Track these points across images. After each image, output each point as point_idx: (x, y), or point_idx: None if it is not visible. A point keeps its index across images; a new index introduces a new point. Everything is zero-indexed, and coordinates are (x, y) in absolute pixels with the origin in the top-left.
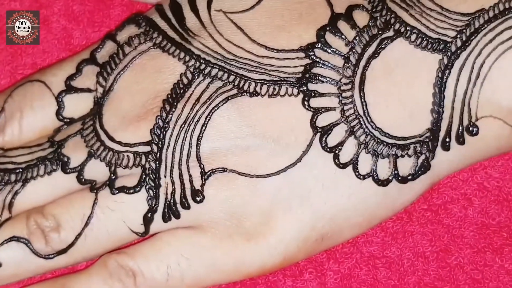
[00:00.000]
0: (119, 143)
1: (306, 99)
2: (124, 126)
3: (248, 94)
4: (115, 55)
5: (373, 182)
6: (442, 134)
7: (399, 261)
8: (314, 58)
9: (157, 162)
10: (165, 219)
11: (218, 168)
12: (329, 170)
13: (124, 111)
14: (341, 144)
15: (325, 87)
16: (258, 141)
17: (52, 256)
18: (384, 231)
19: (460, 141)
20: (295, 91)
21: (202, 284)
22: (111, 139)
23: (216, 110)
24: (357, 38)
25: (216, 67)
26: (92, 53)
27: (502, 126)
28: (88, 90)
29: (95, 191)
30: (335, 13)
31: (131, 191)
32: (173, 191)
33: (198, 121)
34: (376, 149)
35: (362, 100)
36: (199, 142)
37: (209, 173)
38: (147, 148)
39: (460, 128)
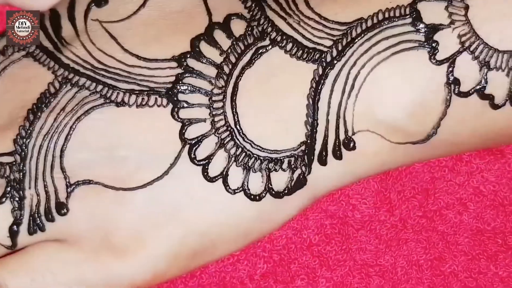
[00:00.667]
0: None
1: (176, 109)
2: None
3: (115, 104)
4: None
5: (246, 197)
6: (318, 147)
7: (392, 270)
8: (186, 67)
9: (21, 173)
10: (30, 231)
11: (84, 180)
12: (199, 183)
13: None
14: (210, 156)
15: (196, 98)
16: (124, 152)
17: None
18: (378, 238)
19: (337, 155)
20: (165, 101)
21: None
22: None
23: (81, 120)
24: (231, 47)
25: (84, 76)
26: None
27: (381, 141)
28: None
29: None
30: (212, 22)
31: None
32: (38, 203)
33: (62, 131)
34: (247, 163)
35: (234, 111)
36: (63, 153)
37: (74, 185)
38: (11, 159)
39: (337, 141)
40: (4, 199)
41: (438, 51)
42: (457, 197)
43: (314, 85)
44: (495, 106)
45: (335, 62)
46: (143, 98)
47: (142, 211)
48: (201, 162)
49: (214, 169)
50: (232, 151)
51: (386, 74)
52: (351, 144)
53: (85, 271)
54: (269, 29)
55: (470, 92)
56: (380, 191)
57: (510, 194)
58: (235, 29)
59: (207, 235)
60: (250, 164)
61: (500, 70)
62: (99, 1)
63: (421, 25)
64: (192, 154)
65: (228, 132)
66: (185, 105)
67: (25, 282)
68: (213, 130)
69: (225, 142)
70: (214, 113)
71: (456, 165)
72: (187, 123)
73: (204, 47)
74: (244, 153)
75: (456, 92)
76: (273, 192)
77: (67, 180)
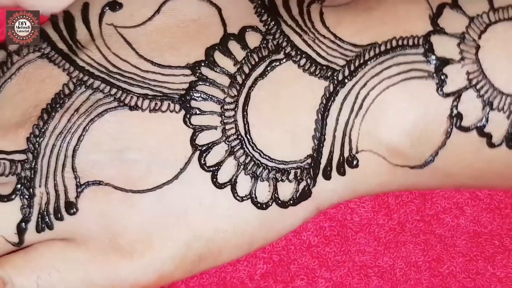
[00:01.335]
0: None
1: (188, 116)
2: (2, 134)
3: (128, 108)
4: (3, 64)
5: (253, 205)
6: (323, 162)
7: (391, 271)
8: (200, 75)
9: (32, 171)
10: (38, 229)
11: (94, 180)
12: (207, 189)
13: (5, 119)
14: (220, 163)
15: (208, 105)
16: (135, 155)
17: None
18: (377, 240)
19: (341, 171)
20: (177, 107)
21: None
22: None
23: (94, 121)
24: (245, 58)
25: (99, 79)
26: None
27: (382, 162)
28: None
29: None
30: (228, 33)
31: (5, 199)
32: (48, 202)
33: (75, 132)
34: (255, 171)
35: (245, 120)
36: (75, 153)
37: (84, 185)
38: (23, 157)
39: (341, 158)
40: (13, 196)
41: (446, 84)
42: (454, 201)
43: (324, 101)
44: (491, 145)
45: (347, 81)
46: (156, 103)
47: (151, 214)
48: (211, 169)
49: (223, 176)
50: (242, 159)
51: (394, 98)
52: (354, 162)
53: (91, 270)
54: (284, 44)
55: (471, 127)
56: (378, 195)
57: (506, 198)
58: (250, 41)
59: (213, 240)
60: (258, 173)
61: (501, 112)
62: (113, 5)
63: (433, 57)
64: (202, 160)
65: (238, 141)
66: (197, 112)
67: (30, 279)
68: (224, 138)
69: (235, 150)
70: (225, 121)
71: None
72: (198, 130)
73: (218, 56)
74: (253, 162)
75: (458, 125)
76: (279, 201)
77: (78, 180)
